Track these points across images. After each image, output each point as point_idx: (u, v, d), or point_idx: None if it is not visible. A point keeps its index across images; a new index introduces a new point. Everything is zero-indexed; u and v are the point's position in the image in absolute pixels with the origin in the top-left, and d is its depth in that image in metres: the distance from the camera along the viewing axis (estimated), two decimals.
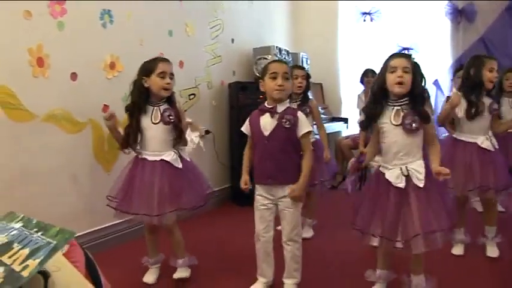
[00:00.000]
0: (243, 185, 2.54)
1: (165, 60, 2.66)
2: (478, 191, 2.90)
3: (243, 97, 4.60)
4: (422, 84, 2.27)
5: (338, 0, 6.23)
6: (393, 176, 2.22)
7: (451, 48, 5.67)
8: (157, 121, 2.61)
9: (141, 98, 2.62)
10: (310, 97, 3.66)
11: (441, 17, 5.68)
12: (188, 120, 2.63)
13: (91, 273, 1.24)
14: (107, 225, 3.38)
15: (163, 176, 2.57)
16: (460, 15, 5.61)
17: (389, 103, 2.28)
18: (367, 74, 5.19)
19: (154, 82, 2.59)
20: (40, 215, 1.33)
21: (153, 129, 2.62)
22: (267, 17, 5.79)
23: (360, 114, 3.39)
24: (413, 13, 5.76)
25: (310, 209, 3.61)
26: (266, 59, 4.83)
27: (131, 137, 2.64)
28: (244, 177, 2.56)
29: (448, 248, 3.08)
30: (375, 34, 6.02)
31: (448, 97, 4.09)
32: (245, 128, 2.58)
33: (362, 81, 5.31)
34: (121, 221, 3.36)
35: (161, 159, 2.60)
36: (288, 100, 2.50)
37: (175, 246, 2.76)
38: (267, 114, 2.45)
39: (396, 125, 2.24)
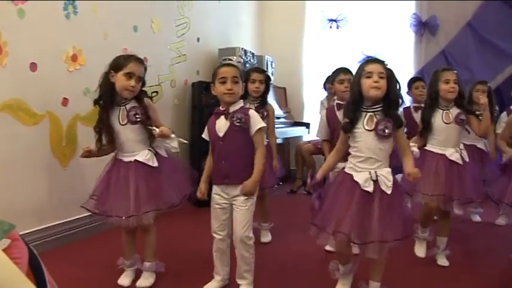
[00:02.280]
0: (198, 194, 2.58)
1: (138, 60, 2.59)
2: (442, 201, 2.97)
3: (206, 97, 4.59)
4: (397, 90, 2.33)
5: (306, 3, 6.34)
6: (362, 178, 2.26)
7: (414, 60, 5.86)
8: (124, 122, 2.57)
9: (107, 94, 2.57)
10: (269, 101, 3.66)
11: (406, 28, 5.87)
12: (157, 130, 2.59)
13: (34, 271, 1.20)
14: (61, 221, 3.32)
15: (138, 177, 2.54)
16: (424, 28, 5.81)
17: (362, 108, 2.33)
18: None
19: (119, 80, 2.54)
20: None
21: (123, 130, 2.58)
22: (234, 17, 5.82)
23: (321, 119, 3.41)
24: (379, 22, 5.94)
25: (264, 212, 3.62)
26: (231, 60, 4.85)
27: (105, 136, 2.60)
28: (201, 186, 2.59)
29: (408, 258, 3.14)
30: (340, 41, 6.16)
31: (405, 109, 4.20)
32: (205, 135, 2.61)
33: (325, 87, 5.36)
34: (77, 217, 3.35)
35: (135, 160, 2.57)
36: (241, 101, 2.55)
37: (147, 247, 2.72)
38: (222, 117, 2.50)
39: (369, 130, 2.28)
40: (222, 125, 2.49)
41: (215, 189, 2.55)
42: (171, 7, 4.51)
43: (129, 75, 2.53)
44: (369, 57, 5.66)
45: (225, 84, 2.45)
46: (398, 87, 2.34)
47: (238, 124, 2.44)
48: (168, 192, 2.61)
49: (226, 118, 2.48)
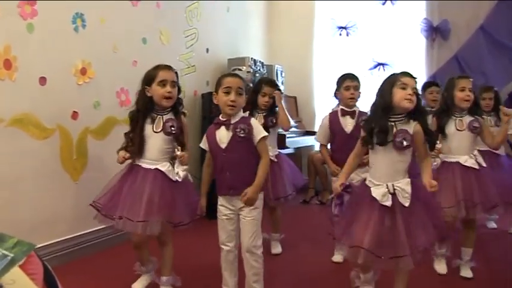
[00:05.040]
0: (198, 211, 2.60)
1: (167, 67, 2.64)
2: (464, 208, 2.89)
3: (216, 108, 4.53)
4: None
5: (315, 11, 6.35)
6: (379, 193, 2.25)
7: (426, 65, 5.82)
8: (158, 130, 2.61)
9: (145, 107, 2.62)
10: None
11: (417, 34, 5.84)
12: (180, 152, 2.60)
13: (50, 287, 1.21)
14: (72, 235, 3.33)
15: (155, 185, 2.54)
16: (435, 33, 5.78)
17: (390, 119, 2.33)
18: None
19: (155, 91, 2.58)
20: (1, 223, 1.29)
21: (154, 137, 2.61)
22: (243, 27, 5.84)
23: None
24: (389, 28, 5.92)
25: (275, 223, 3.61)
26: (241, 70, 4.86)
27: (136, 145, 2.61)
28: (201, 202, 2.60)
29: (431, 267, 3.11)
30: (351, 48, 6.14)
31: None
32: (203, 144, 2.60)
33: (336, 95, 5.33)
34: (88, 231, 3.36)
35: (155, 169, 2.58)
36: (242, 111, 2.54)
37: (164, 261, 2.72)
38: (223, 127, 2.48)
39: (388, 142, 2.28)
40: (223, 135, 2.47)
41: (220, 200, 2.54)
42: (179, 18, 4.54)
43: (163, 83, 2.57)
44: (379, 64, 5.72)
45: (229, 95, 2.44)
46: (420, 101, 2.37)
47: (242, 135, 2.43)
48: (180, 210, 2.60)
49: (227, 129, 2.46)
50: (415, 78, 2.34)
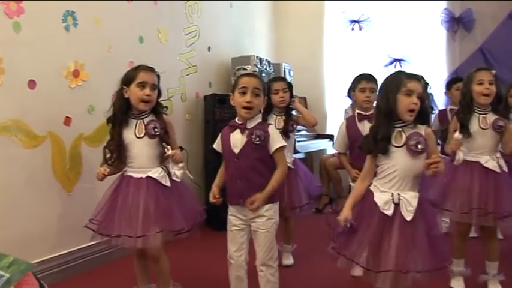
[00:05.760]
0: (211, 198, 2.56)
1: (149, 69, 2.64)
2: (476, 216, 2.86)
3: (220, 111, 4.60)
4: (429, 104, 2.32)
5: (325, 4, 6.32)
6: (382, 200, 2.23)
7: (447, 60, 5.79)
8: (141, 135, 2.60)
9: (121, 110, 2.61)
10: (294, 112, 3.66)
11: (436, 26, 5.80)
12: (171, 151, 2.59)
13: None
14: (66, 251, 3.32)
15: (149, 195, 2.54)
16: (457, 24, 5.73)
17: (395, 125, 2.30)
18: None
19: (133, 92, 2.58)
20: None
21: (138, 144, 2.60)
22: (247, 23, 5.84)
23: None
24: (406, 21, 5.87)
25: (287, 234, 3.60)
26: (246, 69, 4.85)
27: (114, 154, 2.61)
28: (213, 189, 2.58)
29: (447, 281, 3.06)
30: (364, 44, 6.11)
31: (441, 111, 4.15)
32: (216, 145, 2.61)
33: (349, 95, 5.33)
34: (84, 246, 3.35)
35: (147, 176, 2.58)
36: (260, 115, 2.54)
37: (160, 275, 2.71)
38: (237, 131, 2.49)
39: (398, 147, 2.26)
40: (237, 140, 2.48)
41: (230, 210, 2.54)
42: (178, 15, 4.54)
43: (142, 85, 2.57)
44: (396, 59, 5.68)
45: (245, 96, 2.44)
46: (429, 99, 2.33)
47: (257, 143, 2.43)
48: (178, 216, 2.59)
49: (242, 133, 2.46)
50: (422, 80, 2.31)
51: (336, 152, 3.46)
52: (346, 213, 2.31)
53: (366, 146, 2.34)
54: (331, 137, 6.10)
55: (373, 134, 2.32)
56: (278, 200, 2.56)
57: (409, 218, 2.19)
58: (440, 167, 2.14)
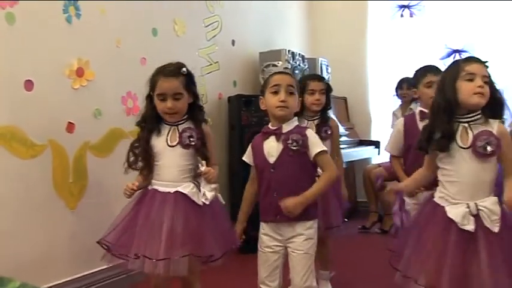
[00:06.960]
0: (236, 241, 2.62)
1: (170, 75, 2.58)
2: None
3: (247, 114, 4.60)
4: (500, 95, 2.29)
5: None
6: (458, 214, 2.16)
7: None
8: (174, 143, 2.59)
9: (151, 117, 2.63)
10: (331, 115, 3.61)
11: (507, 8, 5.62)
12: (205, 167, 2.56)
13: None
14: (71, 277, 3.30)
15: (177, 212, 2.52)
16: None
17: (455, 119, 2.25)
18: (403, 85, 5.15)
19: (156, 103, 2.60)
20: None
21: (169, 153, 2.60)
22: (277, 12, 5.84)
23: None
24: (467, 4, 5.74)
25: (324, 258, 3.48)
26: (276, 66, 4.83)
27: (140, 160, 2.63)
28: (238, 228, 2.62)
29: None
30: (416, 33, 6.05)
31: None
32: (247, 157, 2.64)
33: (397, 94, 5.27)
34: (92, 271, 3.35)
35: (176, 191, 2.55)
36: (296, 118, 2.56)
37: None
38: (272, 138, 2.51)
39: (464, 148, 2.20)
40: (272, 148, 2.50)
41: (264, 228, 2.54)
42: (197, 4, 4.54)
43: (162, 97, 2.56)
44: (454, 51, 5.56)
45: (278, 95, 2.45)
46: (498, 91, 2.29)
47: (294, 148, 2.42)
48: (209, 240, 2.55)
49: (277, 140, 2.48)
50: (484, 62, 2.26)
51: (388, 157, 3.35)
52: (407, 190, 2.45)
53: (423, 144, 2.32)
54: (376, 144, 6.05)
55: (428, 133, 2.28)
56: (317, 217, 2.55)
57: (496, 229, 2.13)
58: None
